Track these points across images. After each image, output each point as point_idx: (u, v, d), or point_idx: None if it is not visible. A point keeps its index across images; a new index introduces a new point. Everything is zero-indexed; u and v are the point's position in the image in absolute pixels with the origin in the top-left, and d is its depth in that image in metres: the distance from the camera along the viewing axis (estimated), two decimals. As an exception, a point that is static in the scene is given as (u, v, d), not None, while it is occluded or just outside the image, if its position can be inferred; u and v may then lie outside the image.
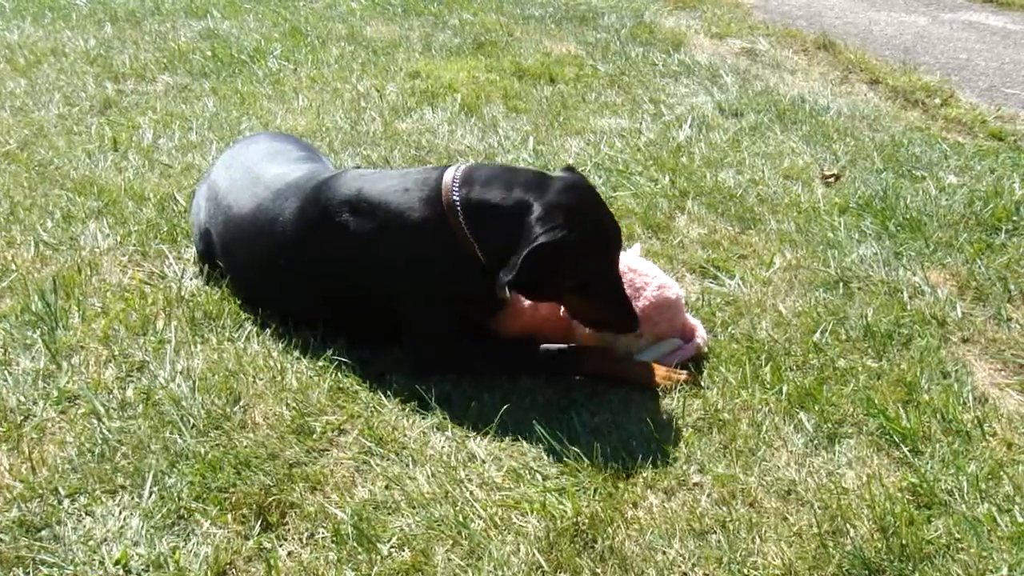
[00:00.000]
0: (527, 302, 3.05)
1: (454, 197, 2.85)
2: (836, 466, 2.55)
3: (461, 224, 2.83)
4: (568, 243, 2.71)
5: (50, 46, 6.84)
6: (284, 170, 3.29)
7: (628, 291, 2.97)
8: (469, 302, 2.95)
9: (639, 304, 2.98)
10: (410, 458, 2.54)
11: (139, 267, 3.53)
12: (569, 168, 3.07)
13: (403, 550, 2.22)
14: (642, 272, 3.08)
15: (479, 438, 2.63)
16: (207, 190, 3.48)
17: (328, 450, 2.58)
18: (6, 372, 2.86)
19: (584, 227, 2.77)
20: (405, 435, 2.64)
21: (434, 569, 2.18)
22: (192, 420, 2.63)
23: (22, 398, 2.73)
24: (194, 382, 2.80)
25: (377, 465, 2.51)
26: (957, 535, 2.28)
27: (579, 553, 2.22)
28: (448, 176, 2.90)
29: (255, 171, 3.33)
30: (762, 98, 5.95)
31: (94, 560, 2.18)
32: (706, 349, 3.07)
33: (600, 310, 2.91)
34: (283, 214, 3.07)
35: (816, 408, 2.76)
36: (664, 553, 2.23)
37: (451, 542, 2.25)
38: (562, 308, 3.00)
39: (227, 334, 3.07)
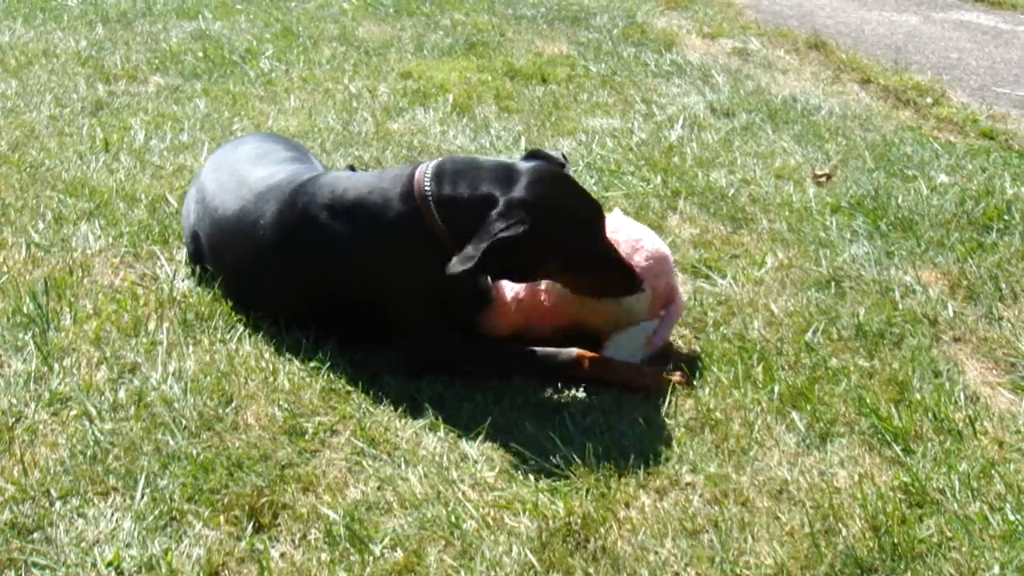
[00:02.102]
0: (515, 292, 3.07)
1: (426, 191, 2.86)
2: (828, 465, 2.56)
3: (436, 218, 2.85)
4: (528, 236, 2.74)
5: (41, 47, 6.82)
6: (269, 172, 3.28)
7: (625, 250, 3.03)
8: (453, 295, 2.95)
9: (638, 261, 3.03)
10: (402, 459, 2.54)
11: (131, 268, 3.53)
12: (534, 153, 3.10)
13: (395, 550, 2.22)
14: (633, 233, 3.14)
15: (471, 438, 2.63)
16: (196, 192, 3.47)
17: (320, 451, 2.58)
18: (-3, 374, 2.86)
19: (548, 217, 2.80)
20: (397, 436, 2.64)
21: (426, 569, 2.18)
22: (184, 422, 2.63)
23: (13, 400, 2.72)
24: (186, 383, 2.79)
25: (369, 466, 2.51)
26: (949, 534, 2.29)
27: (571, 553, 2.22)
28: (420, 171, 2.92)
29: (241, 173, 3.33)
30: (754, 98, 5.96)
31: (86, 562, 2.17)
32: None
33: (597, 281, 2.95)
34: (264, 217, 3.07)
35: (808, 407, 2.77)
36: (656, 553, 2.23)
37: (443, 542, 2.25)
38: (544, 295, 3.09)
39: (219, 335, 3.07)
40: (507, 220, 2.74)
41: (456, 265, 2.74)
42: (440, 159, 2.98)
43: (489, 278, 3.08)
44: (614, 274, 2.93)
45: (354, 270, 2.96)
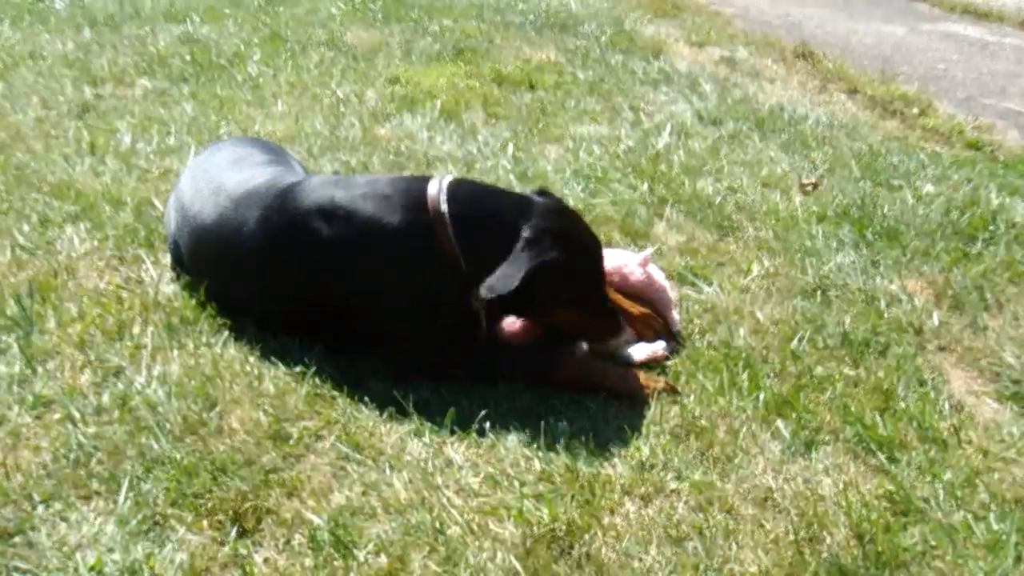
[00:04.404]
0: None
1: (442, 208, 2.87)
2: (813, 473, 2.56)
3: (449, 235, 2.86)
4: (558, 264, 2.81)
5: (28, 49, 6.80)
6: (245, 177, 3.25)
7: (615, 278, 3.20)
8: (447, 307, 2.95)
9: (632, 279, 3.22)
10: (387, 464, 2.53)
11: (116, 272, 3.51)
12: (541, 191, 3.16)
13: (379, 556, 2.22)
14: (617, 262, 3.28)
15: (456, 444, 2.62)
16: (175, 200, 3.45)
17: (305, 456, 2.56)
18: (-20, 377, 2.84)
19: (570, 248, 2.88)
20: (382, 441, 2.63)
21: (411, 575, 2.17)
22: (168, 426, 2.62)
23: (-4, 403, 2.71)
24: (170, 387, 2.78)
25: (354, 471, 2.50)
26: (933, 542, 2.30)
27: (556, 560, 2.22)
28: (433, 187, 2.92)
29: (218, 179, 3.29)
30: (741, 106, 5.97)
31: (68, 566, 2.16)
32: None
33: (589, 322, 3.02)
34: (247, 224, 3.03)
35: (793, 415, 2.77)
36: (641, 560, 2.23)
37: (428, 548, 2.25)
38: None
39: (204, 339, 3.05)
40: (538, 247, 2.81)
41: (494, 286, 2.79)
42: (451, 178, 2.99)
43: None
44: (602, 318, 3.04)
45: (349, 278, 2.93)
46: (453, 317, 2.98)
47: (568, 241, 2.89)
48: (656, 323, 3.17)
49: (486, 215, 2.91)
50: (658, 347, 3.07)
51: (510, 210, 2.92)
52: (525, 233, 2.84)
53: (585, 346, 3.07)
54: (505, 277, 2.78)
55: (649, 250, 3.35)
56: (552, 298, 2.91)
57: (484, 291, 2.79)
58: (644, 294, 3.23)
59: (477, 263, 2.86)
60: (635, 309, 3.18)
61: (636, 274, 3.22)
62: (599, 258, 3.05)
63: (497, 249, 2.84)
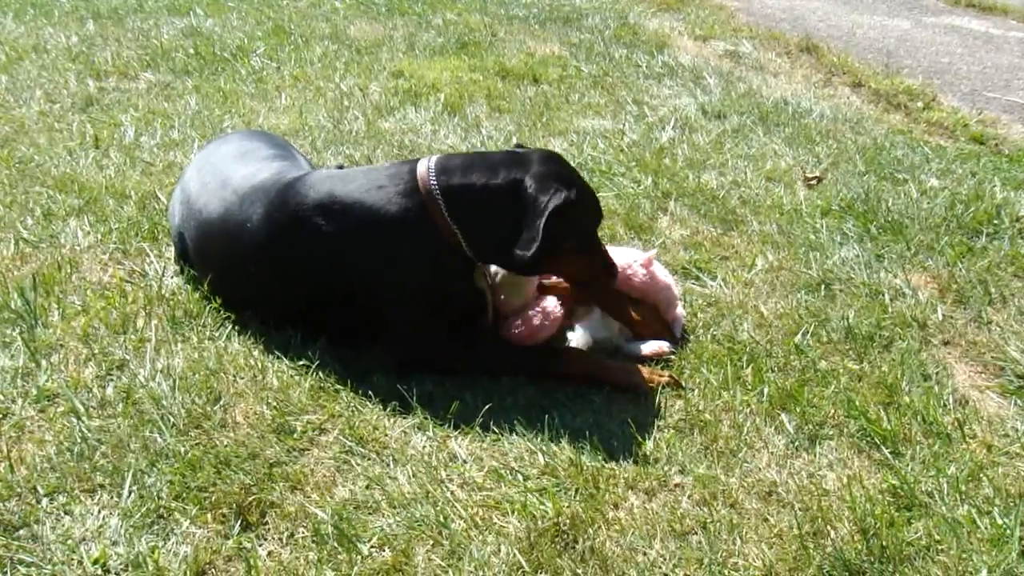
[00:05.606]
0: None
1: (432, 185, 2.86)
2: (817, 467, 2.56)
3: (443, 213, 2.85)
4: (571, 202, 2.81)
5: (32, 42, 6.80)
6: (251, 171, 3.25)
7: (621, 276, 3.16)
8: (450, 295, 2.95)
9: (635, 280, 3.19)
10: (391, 458, 2.54)
11: (120, 265, 3.51)
12: (519, 146, 3.18)
13: (383, 550, 2.22)
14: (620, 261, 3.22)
15: (460, 438, 2.63)
16: (180, 193, 3.45)
17: (309, 449, 2.57)
18: (-16, 370, 2.84)
19: (576, 187, 2.88)
20: (386, 435, 2.63)
21: (414, 569, 2.17)
22: (172, 419, 2.62)
23: (0, 396, 2.71)
24: (174, 381, 2.78)
25: (358, 465, 2.50)
26: (937, 537, 2.29)
27: (560, 553, 2.22)
28: (422, 167, 2.92)
29: (224, 173, 3.30)
30: (745, 100, 5.96)
31: (72, 560, 2.16)
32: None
33: (592, 268, 3.02)
34: (251, 219, 3.03)
35: (797, 409, 2.77)
36: (645, 554, 2.23)
37: (432, 542, 2.25)
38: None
39: (208, 333, 3.05)
40: (547, 193, 2.79)
41: (522, 251, 2.78)
42: (438, 156, 2.98)
43: (489, 279, 3.07)
44: (601, 262, 3.02)
45: (350, 270, 2.93)
46: (457, 302, 2.98)
47: (571, 180, 2.89)
48: (655, 325, 3.16)
49: (482, 180, 2.88)
50: (663, 342, 3.07)
51: (502, 170, 2.88)
52: (529, 184, 2.82)
53: (589, 341, 3.07)
54: (528, 240, 2.78)
55: (653, 251, 3.34)
56: (567, 238, 2.86)
57: (517, 258, 2.79)
58: (646, 295, 3.20)
59: (478, 234, 2.87)
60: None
61: (639, 275, 3.19)
62: (593, 196, 3.05)
63: (497, 214, 2.84)
